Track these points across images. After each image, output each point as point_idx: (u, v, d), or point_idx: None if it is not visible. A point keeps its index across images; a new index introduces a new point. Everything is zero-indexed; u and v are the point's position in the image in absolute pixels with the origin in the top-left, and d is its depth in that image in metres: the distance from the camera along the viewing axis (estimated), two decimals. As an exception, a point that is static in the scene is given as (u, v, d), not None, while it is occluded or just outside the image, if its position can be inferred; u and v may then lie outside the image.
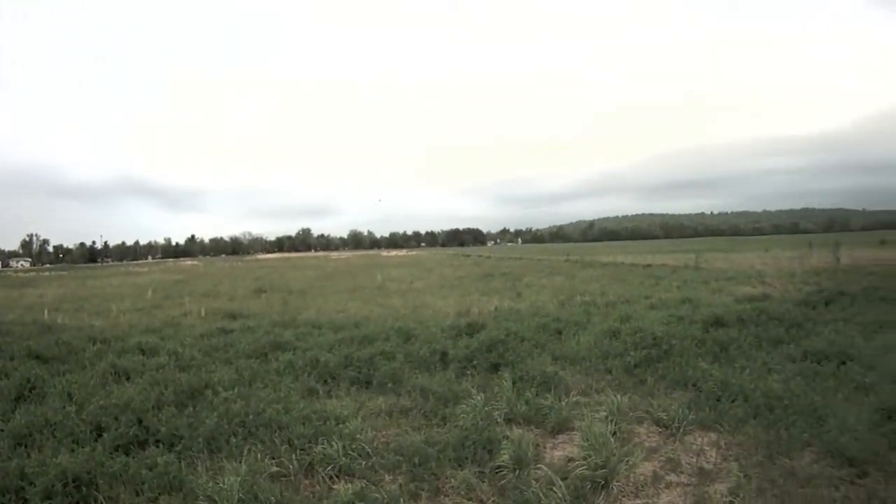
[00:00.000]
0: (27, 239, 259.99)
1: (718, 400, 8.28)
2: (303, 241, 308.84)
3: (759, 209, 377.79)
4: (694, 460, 6.61)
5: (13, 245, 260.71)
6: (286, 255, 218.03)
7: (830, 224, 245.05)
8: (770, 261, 41.45)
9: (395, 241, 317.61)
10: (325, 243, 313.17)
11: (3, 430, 7.84)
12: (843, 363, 9.72)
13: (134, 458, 6.72)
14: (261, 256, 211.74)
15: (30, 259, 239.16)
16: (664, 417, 7.74)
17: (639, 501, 5.78)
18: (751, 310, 14.06)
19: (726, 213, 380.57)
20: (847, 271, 28.81)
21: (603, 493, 5.79)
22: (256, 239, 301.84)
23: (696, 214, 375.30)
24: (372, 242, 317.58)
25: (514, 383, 9.26)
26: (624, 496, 5.85)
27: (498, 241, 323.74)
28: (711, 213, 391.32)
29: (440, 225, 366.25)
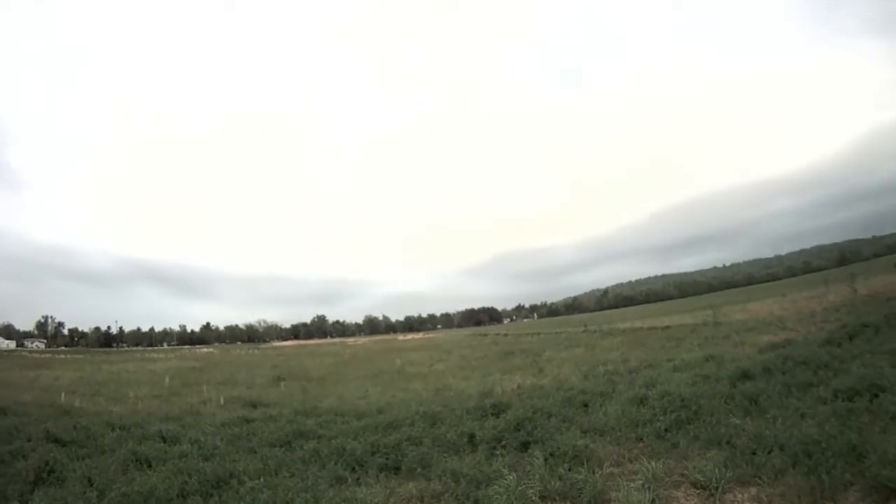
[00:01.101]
0: (42, 320, 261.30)
1: (754, 453, 8.12)
2: (318, 328, 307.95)
3: (770, 255, 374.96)
4: (736, 518, 6.46)
5: (28, 326, 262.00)
6: (302, 342, 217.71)
7: (843, 257, 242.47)
8: (788, 304, 41.09)
9: (411, 324, 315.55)
10: (341, 329, 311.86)
11: None
12: (876, 396, 9.54)
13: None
14: (277, 344, 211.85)
15: (45, 340, 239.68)
16: (701, 479, 7.59)
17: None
18: (775, 358, 13.91)
19: (738, 264, 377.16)
20: (866, 302, 28.50)
21: (647, 564, 5.65)
22: (272, 326, 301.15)
23: (709, 269, 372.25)
24: (388, 327, 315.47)
25: (545, 460, 9.14)
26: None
27: (514, 317, 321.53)
28: (724, 265, 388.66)
29: (454, 306, 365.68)
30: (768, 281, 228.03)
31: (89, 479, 9.32)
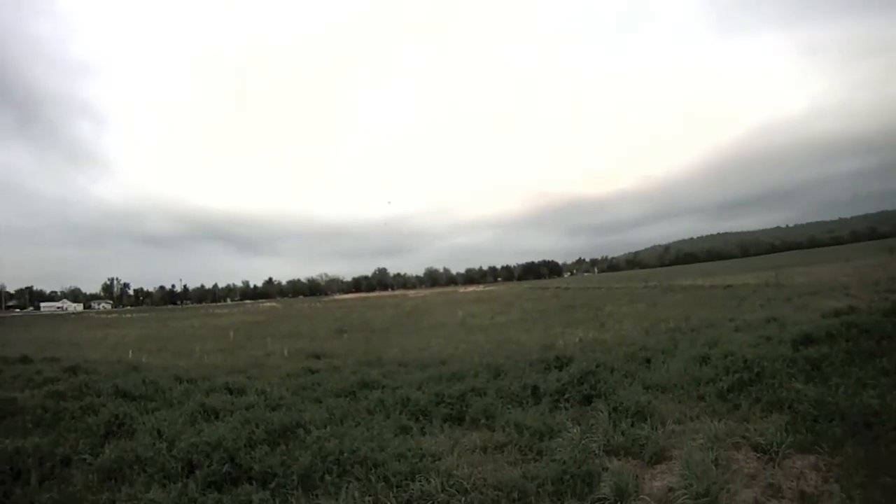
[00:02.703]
0: (108, 283, 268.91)
1: (815, 420, 8.06)
2: (379, 281, 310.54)
3: (834, 217, 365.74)
4: (794, 484, 6.50)
5: (95, 288, 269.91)
6: (363, 294, 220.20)
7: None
8: (851, 271, 40.24)
9: (472, 277, 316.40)
10: (402, 282, 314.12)
11: (91, 465, 8.18)
12: (941, 372, 9.24)
13: (227, 494, 6.92)
14: (338, 297, 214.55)
15: (111, 301, 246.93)
16: (762, 442, 7.58)
17: (742, 530, 5.73)
18: (839, 324, 13.55)
19: (802, 225, 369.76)
20: (933, 273, 27.74)
21: (706, 522, 5.74)
22: (333, 280, 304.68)
23: (772, 229, 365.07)
24: (448, 279, 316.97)
25: (608, 414, 9.19)
26: (727, 524, 5.79)
27: (574, 271, 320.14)
28: (786, 225, 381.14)
29: (514, 259, 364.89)
30: (831, 244, 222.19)
31: (158, 431, 9.55)
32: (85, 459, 8.48)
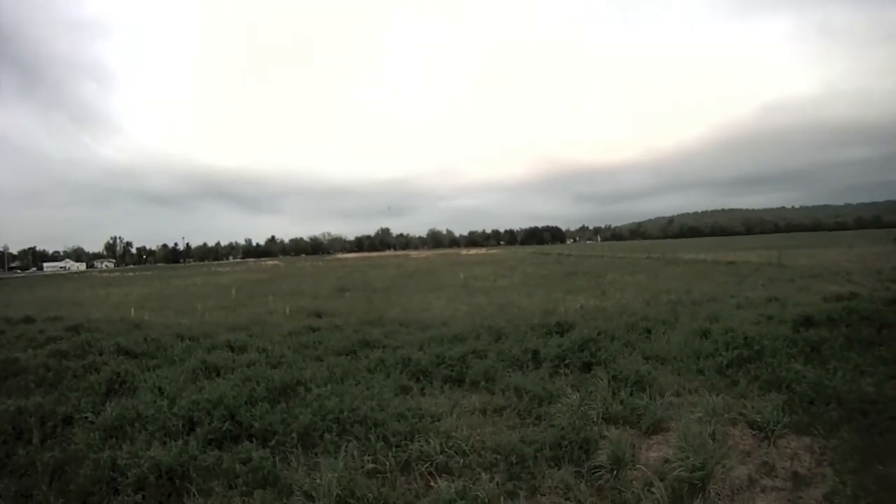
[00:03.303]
0: (111, 241, 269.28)
1: (812, 402, 8.11)
2: (382, 241, 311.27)
3: (840, 202, 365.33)
4: (788, 464, 6.57)
5: (98, 247, 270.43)
6: (366, 254, 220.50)
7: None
8: (855, 257, 40.19)
9: (475, 239, 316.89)
10: (405, 242, 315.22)
11: (93, 423, 8.24)
12: (939, 367, 9.30)
13: (227, 452, 6.96)
14: (341, 256, 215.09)
15: (114, 260, 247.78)
16: (758, 420, 7.65)
17: (734, 505, 5.80)
18: (840, 309, 13.53)
19: (807, 207, 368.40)
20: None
21: (700, 495, 5.81)
22: (336, 238, 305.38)
23: (777, 208, 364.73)
24: (451, 241, 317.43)
25: (608, 382, 9.27)
26: (720, 499, 5.85)
27: (577, 238, 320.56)
28: (792, 206, 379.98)
29: (518, 223, 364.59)
30: (836, 229, 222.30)
31: (160, 389, 9.64)
32: (87, 418, 8.52)
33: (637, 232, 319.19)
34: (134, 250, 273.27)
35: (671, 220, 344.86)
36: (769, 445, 7.11)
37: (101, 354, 12.71)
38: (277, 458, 6.87)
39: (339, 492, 5.76)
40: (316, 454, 7.07)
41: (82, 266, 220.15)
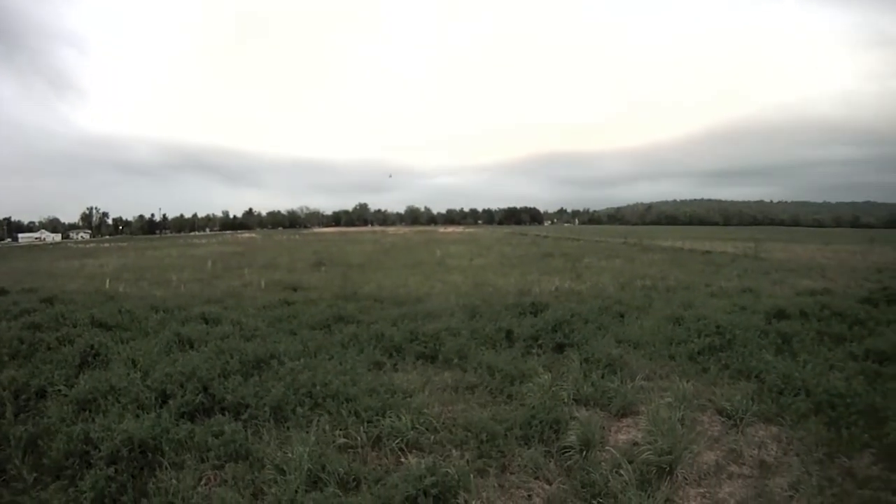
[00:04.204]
0: (87, 212, 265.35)
1: (781, 393, 8.19)
2: (359, 216, 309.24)
3: (819, 200, 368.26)
4: (756, 453, 6.64)
5: (73, 218, 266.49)
6: (343, 229, 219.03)
7: (893, 219, 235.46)
8: (830, 254, 40.52)
9: (452, 217, 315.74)
10: (382, 218, 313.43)
11: (66, 396, 8.08)
12: (906, 365, 9.40)
13: (200, 425, 6.92)
14: (318, 230, 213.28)
15: (89, 231, 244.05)
16: (727, 407, 7.73)
17: (701, 490, 5.84)
18: (813, 303, 13.70)
19: (786, 202, 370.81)
20: (912, 270, 27.91)
21: (667, 479, 5.85)
22: (313, 213, 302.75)
23: (756, 202, 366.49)
24: (429, 219, 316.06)
25: (580, 364, 9.31)
26: (687, 484, 5.91)
27: (555, 220, 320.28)
28: (771, 201, 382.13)
29: (496, 203, 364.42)
30: (813, 226, 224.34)
31: (133, 361, 9.52)
32: (60, 391, 8.39)
33: (615, 216, 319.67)
34: (110, 221, 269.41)
35: (649, 206, 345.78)
36: (737, 433, 7.17)
37: (75, 326, 12.51)
38: (249, 432, 6.84)
39: (311, 466, 5.77)
40: (288, 428, 7.05)
41: (58, 237, 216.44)
